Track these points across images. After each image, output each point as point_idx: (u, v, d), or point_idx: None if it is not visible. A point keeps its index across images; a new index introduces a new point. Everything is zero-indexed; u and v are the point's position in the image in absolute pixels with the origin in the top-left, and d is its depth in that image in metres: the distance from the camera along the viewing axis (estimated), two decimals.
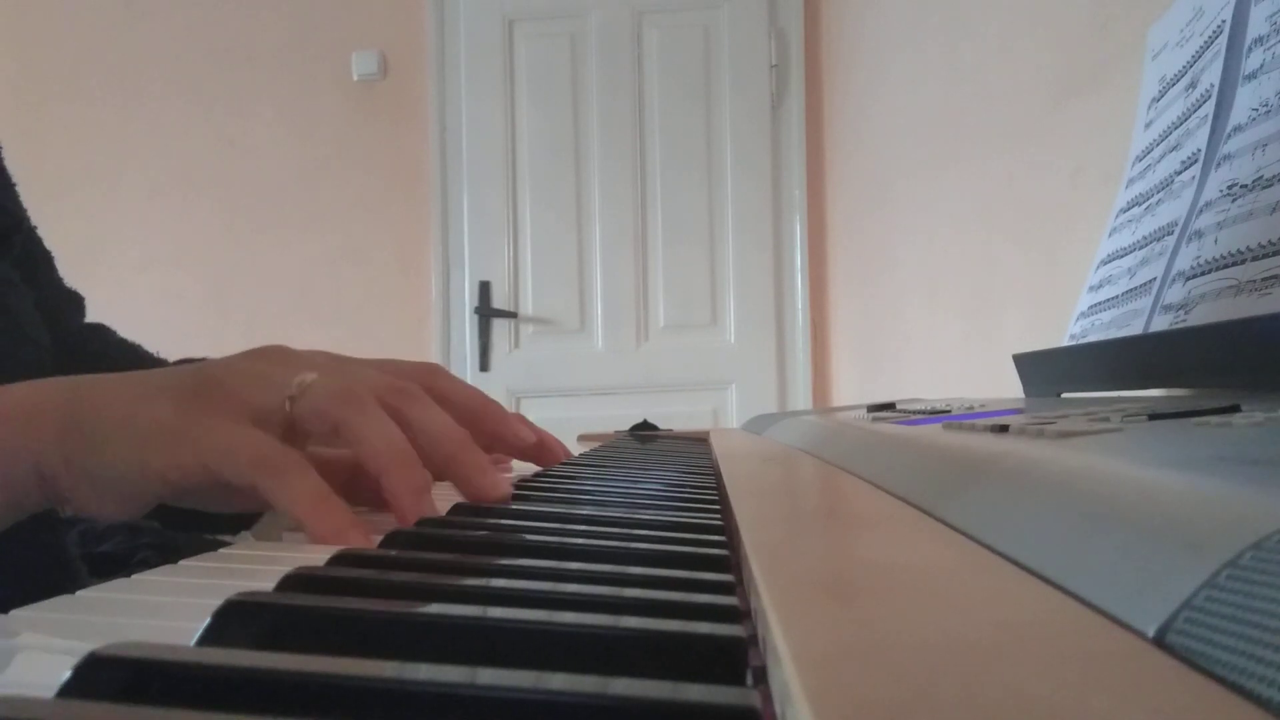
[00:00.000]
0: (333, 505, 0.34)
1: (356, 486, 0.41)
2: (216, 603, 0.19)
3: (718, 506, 0.40)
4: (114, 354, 0.72)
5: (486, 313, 2.69)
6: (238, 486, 0.34)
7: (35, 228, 0.72)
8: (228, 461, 0.34)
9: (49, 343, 0.60)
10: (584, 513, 0.39)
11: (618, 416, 1.46)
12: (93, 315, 0.76)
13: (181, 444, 0.34)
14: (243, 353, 0.40)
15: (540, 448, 0.51)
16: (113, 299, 1.35)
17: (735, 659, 0.18)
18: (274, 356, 0.39)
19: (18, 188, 0.70)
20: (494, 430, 0.47)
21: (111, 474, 0.35)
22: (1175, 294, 0.62)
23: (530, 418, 0.52)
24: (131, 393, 0.36)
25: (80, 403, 0.36)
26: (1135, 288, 0.70)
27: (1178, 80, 0.72)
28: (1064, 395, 0.74)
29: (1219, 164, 0.62)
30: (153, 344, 0.76)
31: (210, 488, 0.35)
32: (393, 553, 0.28)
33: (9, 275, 0.59)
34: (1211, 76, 0.65)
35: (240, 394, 0.37)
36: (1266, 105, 0.57)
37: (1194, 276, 0.60)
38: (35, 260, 0.70)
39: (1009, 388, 0.87)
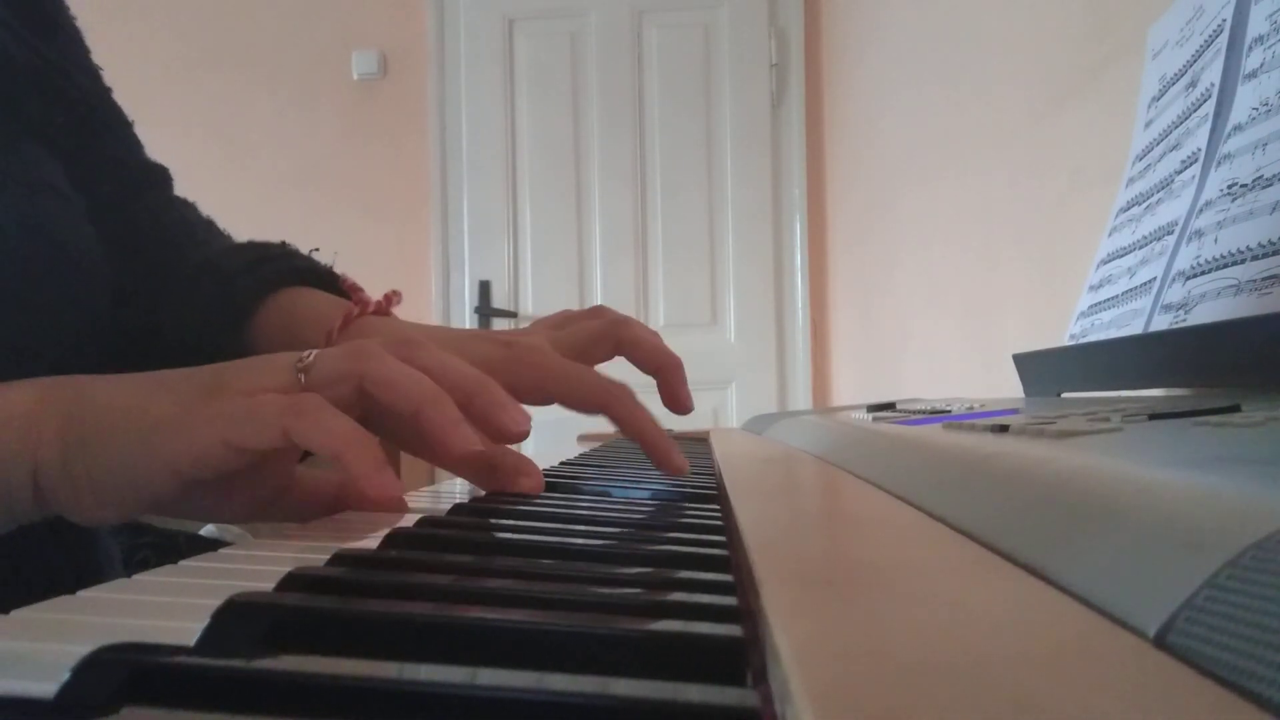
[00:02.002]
0: (368, 444, 0.33)
1: (344, 502, 0.41)
2: (216, 603, 0.19)
3: (717, 506, 0.40)
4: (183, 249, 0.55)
5: (486, 312, 2.69)
6: (262, 450, 0.33)
7: (110, 90, 0.58)
8: (252, 422, 0.33)
9: (102, 264, 0.48)
10: (584, 512, 0.39)
11: None
12: None
13: (195, 428, 0.33)
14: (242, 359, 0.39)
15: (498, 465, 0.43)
16: None
17: (735, 659, 0.18)
18: (274, 354, 0.39)
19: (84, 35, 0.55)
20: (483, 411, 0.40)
21: (116, 473, 0.34)
22: (1175, 293, 0.62)
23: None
24: (134, 392, 0.36)
25: (81, 401, 0.35)
26: (1135, 287, 0.70)
27: (1178, 79, 0.72)
28: (1064, 395, 0.74)
29: (1219, 163, 0.61)
30: None
31: (223, 473, 0.34)
32: (392, 553, 0.28)
33: (51, 178, 0.46)
34: (1212, 75, 0.65)
35: (249, 380, 0.36)
36: (1267, 104, 0.57)
37: (1194, 276, 0.60)
38: (98, 130, 0.55)
39: (1009, 388, 0.87)
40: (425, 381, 0.36)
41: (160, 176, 0.63)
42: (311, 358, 0.36)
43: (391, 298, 0.53)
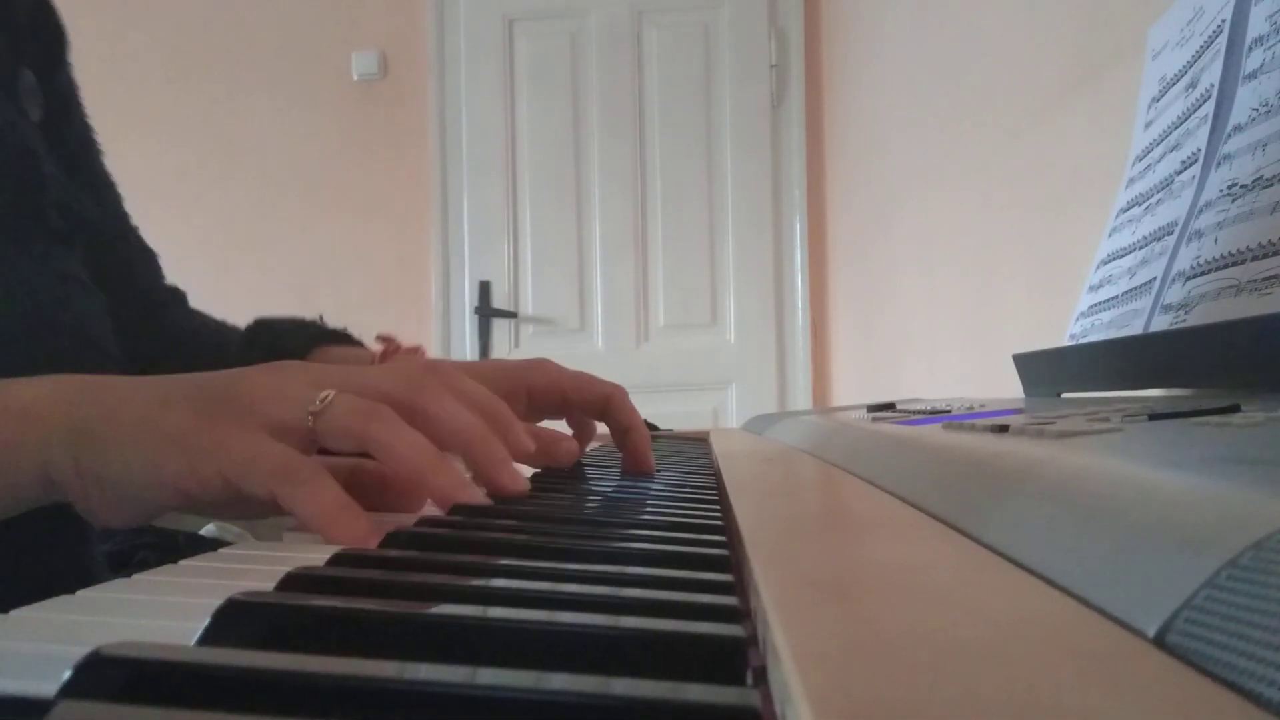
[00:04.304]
0: (353, 514, 0.34)
1: (353, 493, 0.41)
2: (216, 603, 0.19)
3: (718, 506, 0.40)
4: (197, 358, 0.65)
5: (487, 312, 2.69)
6: (254, 498, 0.34)
7: (137, 228, 0.72)
8: (247, 472, 0.34)
9: (117, 350, 0.55)
10: (584, 512, 0.39)
11: None
12: None
13: (199, 454, 0.34)
14: (259, 366, 0.39)
15: (541, 453, 0.48)
16: None
17: (735, 659, 0.18)
18: (292, 371, 0.39)
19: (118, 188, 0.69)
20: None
21: (123, 481, 0.34)
22: (1175, 294, 0.62)
23: None
24: (147, 398, 0.36)
25: (93, 405, 0.35)
26: (1135, 288, 0.70)
27: (1178, 80, 0.72)
28: (1064, 395, 0.74)
29: (1219, 164, 0.62)
30: None
31: (223, 499, 0.35)
32: (392, 553, 0.28)
33: (76, 273, 0.54)
34: (1211, 76, 0.65)
35: (261, 407, 0.36)
36: (1266, 105, 0.57)
37: (1194, 276, 0.60)
38: (130, 261, 0.69)
39: (1009, 388, 0.87)
40: (425, 450, 0.36)
41: (178, 297, 0.76)
42: (328, 401, 0.37)
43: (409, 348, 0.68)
